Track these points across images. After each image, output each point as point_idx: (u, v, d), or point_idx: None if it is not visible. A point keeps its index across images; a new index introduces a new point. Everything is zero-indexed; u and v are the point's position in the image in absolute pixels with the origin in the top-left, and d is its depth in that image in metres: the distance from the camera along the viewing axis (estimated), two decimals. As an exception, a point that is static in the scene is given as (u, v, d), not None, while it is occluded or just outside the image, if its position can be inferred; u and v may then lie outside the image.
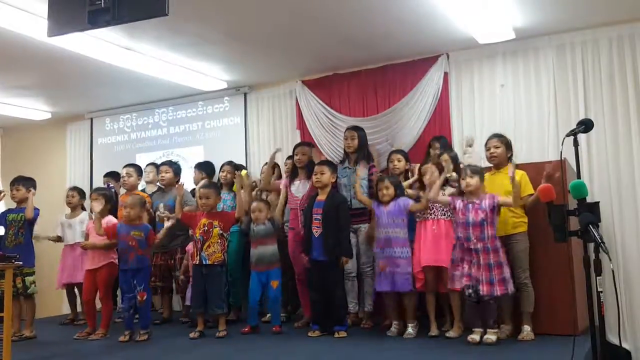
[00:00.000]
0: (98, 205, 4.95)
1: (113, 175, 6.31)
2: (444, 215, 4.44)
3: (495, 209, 4.10)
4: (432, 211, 4.46)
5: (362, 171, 4.91)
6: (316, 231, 4.61)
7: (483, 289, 4.02)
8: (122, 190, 5.75)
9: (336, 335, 4.49)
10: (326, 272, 4.56)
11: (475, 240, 4.08)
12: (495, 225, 4.12)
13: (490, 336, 4.05)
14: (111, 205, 5.10)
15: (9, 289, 3.91)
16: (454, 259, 4.20)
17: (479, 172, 4.22)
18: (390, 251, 4.44)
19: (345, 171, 5.08)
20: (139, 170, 5.88)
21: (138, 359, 4.12)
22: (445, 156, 4.57)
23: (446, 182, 4.45)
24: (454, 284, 4.19)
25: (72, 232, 5.65)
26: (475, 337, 4.08)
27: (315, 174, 4.69)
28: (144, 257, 4.73)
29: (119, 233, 4.71)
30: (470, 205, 4.14)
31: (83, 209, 5.80)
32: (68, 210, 5.79)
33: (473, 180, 4.13)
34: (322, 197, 4.68)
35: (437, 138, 5.27)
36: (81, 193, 5.80)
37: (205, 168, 6.10)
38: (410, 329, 4.43)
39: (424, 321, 4.58)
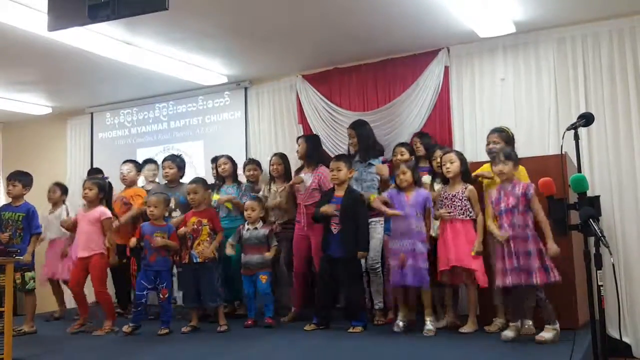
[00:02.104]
0: (91, 194, 4.91)
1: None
2: (463, 214, 4.28)
3: (530, 195, 3.90)
4: (452, 210, 4.32)
5: (384, 170, 4.86)
6: (335, 228, 4.55)
7: (521, 279, 3.83)
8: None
9: (350, 330, 4.43)
10: (343, 268, 4.50)
11: (506, 227, 3.92)
12: (529, 213, 3.92)
13: (510, 332, 3.92)
14: (104, 196, 5.04)
15: (10, 284, 3.91)
16: (498, 253, 4.01)
17: (513, 157, 4.04)
18: (411, 244, 4.27)
19: (355, 165, 4.96)
20: (137, 166, 5.88)
21: (140, 351, 4.13)
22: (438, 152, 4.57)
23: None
24: (501, 280, 3.96)
25: (51, 227, 5.63)
26: (511, 333, 3.94)
27: (332, 170, 4.61)
28: (166, 258, 4.74)
29: (143, 233, 4.71)
30: (502, 193, 4.00)
31: (64, 204, 5.75)
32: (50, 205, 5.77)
33: (507, 168, 3.97)
34: (339, 193, 4.59)
35: (419, 135, 5.29)
36: (63, 189, 5.77)
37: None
38: (429, 325, 4.27)
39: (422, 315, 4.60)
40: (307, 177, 5.09)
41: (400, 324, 4.39)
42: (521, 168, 4.27)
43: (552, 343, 3.77)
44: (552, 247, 3.82)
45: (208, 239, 4.74)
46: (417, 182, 4.49)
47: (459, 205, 4.30)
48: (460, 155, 4.41)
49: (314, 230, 4.83)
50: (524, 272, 3.82)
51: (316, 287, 4.85)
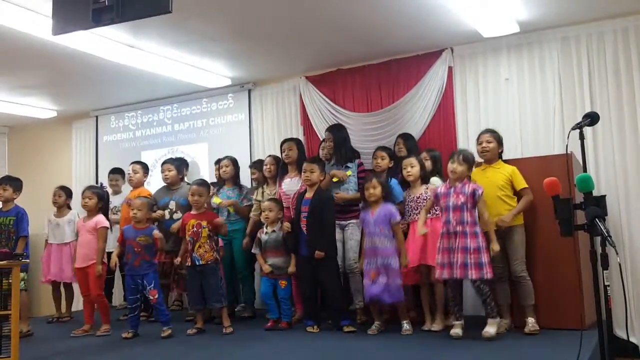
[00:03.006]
0: (92, 202, 4.97)
1: (118, 172, 6.32)
2: (430, 213, 4.43)
3: (476, 195, 4.06)
4: (418, 211, 4.48)
5: (339, 174, 4.85)
6: (305, 228, 4.61)
7: (456, 273, 4.01)
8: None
9: (345, 329, 4.50)
10: (317, 267, 4.56)
11: (454, 223, 4.07)
12: (475, 212, 4.08)
13: (490, 329, 4.00)
14: (102, 204, 5.09)
15: (17, 287, 3.92)
16: (439, 247, 4.16)
17: (470, 161, 4.20)
18: (380, 261, 4.35)
19: (332, 168, 4.98)
20: (145, 167, 5.91)
21: (147, 353, 4.13)
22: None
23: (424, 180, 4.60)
24: (437, 274, 4.19)
25: (61, 232, 5.65)
26: (457, 331, 4.06)
27: (305, 172, 4.65)
28: (149, 262, 4.73)
29: (125, 237, 4.72)
30: (452, 190, 4.14)
31: (69, 208, 5.78)
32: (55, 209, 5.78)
33: (460, 168, 4.12)
34: (309, 194, 4.67)
35: (404, 136, 5.28)
36: (68, 192, 5.77)
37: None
38: (406, 325, 4.39)
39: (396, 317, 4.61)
40: (295, 181, 5.06)
41: (374, 328, 4.45)
42: (513, 169, 4.32)
43: (497, 337, 3.98)
44: (495, 247, 4.06)
45: (208, 241, 4.74)
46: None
47: (423, 205, 4.44)
48: (420, 161, 4.59)
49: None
50: (461, 266, 4.00)
51: (299, 289, 4.89)
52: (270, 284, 4.82)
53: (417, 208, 4.49)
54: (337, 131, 5.15)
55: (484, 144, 4.43)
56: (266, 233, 4.85)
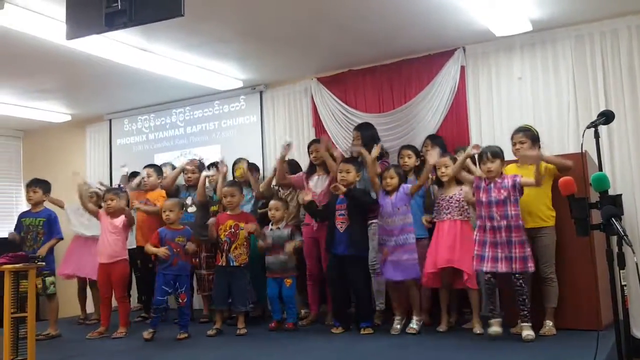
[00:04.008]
0: (118, 202, 5.02)
1: (134, 176, 6.35)
2: (461, 215, 4.39)
3: (517, 187, 4.04)
4: (449, 211, 4.42)
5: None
6: (341, 226, 4.61)
7: (502, 266, 3.99)
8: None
9: (363, 331, 4.49)
10: (350, 267, 4.56)
11: (498, 218, 4.02)
12: (518, 205, 4.04)
13: (528, 332, 3.94)
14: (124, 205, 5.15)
15: (32, 289, 3.96)
16: (477, 240, 4.14)
17: (499, 154, 4.16)
18: (395, 239, 4.42)
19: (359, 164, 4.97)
20: (158, 170, 5.95)
21: (166, 355, 4.15)
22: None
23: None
24: (474, 281, 4.22)
25: (90, 225, 5.71)
26: (497, 329, 4.02)
27: (341, 172, 4.65)
28: (186, 263, 4.77)
29: (163, 238, 4.73)
30: (492, 185, 4.10)
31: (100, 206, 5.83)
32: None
33: (494, 165, 4.09)
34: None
35: (432, 137, 5.26)
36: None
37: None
38: (414, 324, 4.39)
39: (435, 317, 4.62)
40: (322, 180, 5.09)
41: (397, 327, 4.47)
42: (546, 165, 4.20)
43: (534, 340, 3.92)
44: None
45: (245, 243, 4.77)
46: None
47: (455, 207, 4.39)
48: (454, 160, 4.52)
49: (324, 232, 4.84)
50: (505, 260, 3.98)
51: (328, 289, 4.89)
52: (276, 285, 4.84)
53: (449, 208, 4.40)
54: (365, 130, 5.19)
55: (517, 145, 4.33)
56: (271, 230, 4.88)
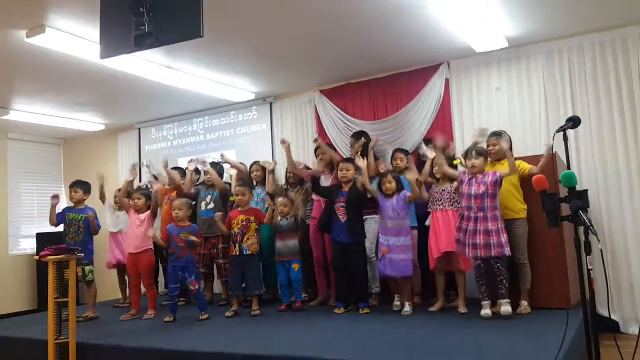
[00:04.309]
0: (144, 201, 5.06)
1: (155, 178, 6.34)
2: (452, 206, 4.40)
3: (497, 182, 4.05)
4: (442, 202, 4.43)
5: (380, 165, 4.83)
6: (342, 217, 4.62)
7: (481, 252, 3.99)
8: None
9: (361, 311, 4.51)
10: (350, 254, 4.58)
11: (476, 209, 4.04)
12: (496, 199, 4.05)
13: (506, 307, 3.97)
14: (150, 203, 5.12)
15: (73, 277, 4.00)
16: (457, 226, 4.17)
17: (483, 153, 4.19)
18: (394, 240, 4.41)
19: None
20: (182, 172, 5.96)
21: (189, 334, 4.16)
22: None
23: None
24: (468, 264, 4.25)
25: (117, 222, 5.75)
26: (487, 311, 4.01)
27: (341, 170, 4.70)
28: (190, 255, 4.75)
29: (169, 233, 4.74)
30: (473, 180, 4.11)
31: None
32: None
33: (477, 161, 4.11)
34: (345, 188, 4.71)
35: (425, 141, 5.19)
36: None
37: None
38: (407, 307, 4.42)
39: (429, 298, 4.61)
40: (327, 179, 5.12)
41: (397, 303, 4.59)
42: (520, 162, 4.26)
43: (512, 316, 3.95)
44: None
45: (255, 234, 4.80)
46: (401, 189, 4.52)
47: (447, 199, 4.42)
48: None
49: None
50: (484, 246, 3.98)
51: (333, 275, 4.90)
52: (285, 270, 4.86)
53: (441, 200, 4.43)
54: (366, 136, 5.18)
55: (491, 146, 4.40)
56: (281, 219, 4.92)
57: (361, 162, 4.63)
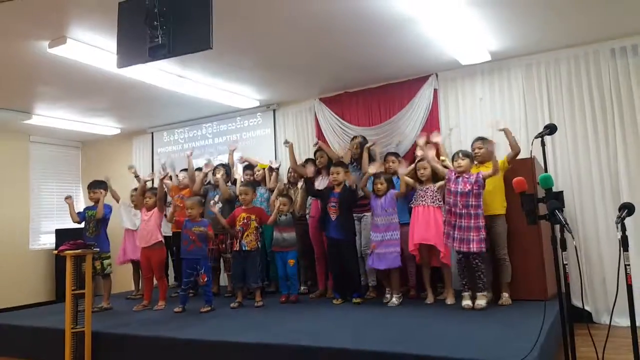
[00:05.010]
0: (154, 199, 5.05)
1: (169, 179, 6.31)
2: (434, 203, 4.43)
3: (480, 182, 4.06)
4: (424, 199, 4.46)
5: (372, 168, 4.82)
6: (333, 216, 4.63)
7: (462, 247, 4.00)
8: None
9: (354, 301, 4.52)
10: (342, 249, 4.60)
11: (460, 206, 4.05)
12: (480, 197, 4.05)
13: (480, 301, 4.00)
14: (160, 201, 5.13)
15: (89, 270, 3.99)
16: (445, 220, 4.19)
17: (469, 155, 4.21)
18: (383, 235, 4.44)
19: (353, 167, 5.09)
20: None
21: (197, 323, 4.16)
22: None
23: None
24: (449, 258, 4.27)
25: (136, 220, 5.69)
26: (468, 302, 4.04)
27: (332, 174, 4.72)
28: (202, 247, 4.72)
29: (184, 227, 4.73)
30: (460, 179, 4.12)
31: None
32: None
33: (463, 162, 4.13)
34: (337, 189, 4.72)
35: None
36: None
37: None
38: (394, 299, 4.44)
39: (420, 291, 4.61)
40: (324, 180, 5.12)
41: (388, 296, 4.59)
42: (502, 161, 4.29)
43: (486, 309, 3.95)
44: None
45: (254, 232, 4.76)
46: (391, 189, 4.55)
47: (430, 196, 4.45)
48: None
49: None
50: (465, 242, 3.99)
51: (330, 269, 4.90)
52: (283, 263, 4.85)
53: (425, 197, 4.46)
54: (364, 139, 5.27)
55: (476, 150, 4.43)
56: (281, 215, 4.90)
57: (372, 168, 4.64)
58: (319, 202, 4.95)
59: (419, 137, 4.70)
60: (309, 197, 5.25)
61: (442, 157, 4.73)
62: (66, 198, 5.15)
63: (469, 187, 4.06)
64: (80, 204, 7.88)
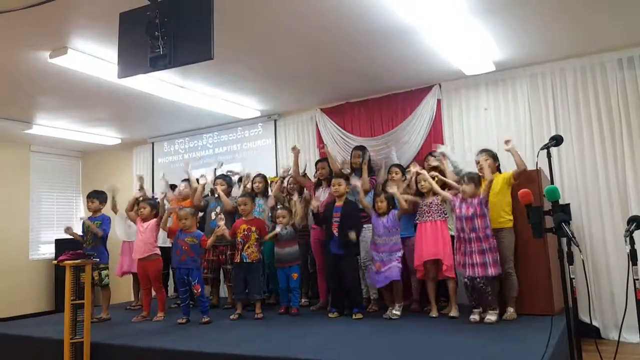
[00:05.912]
0: (149, 210, 5.02)
1: (172, 188, 6.31)
2: (440, 216, 4.40)
3: (483, 202, 4.01)
4: (430, 214, 4.43)
5: (356, 182, 4.77)
6: (336, 231, 4.59)
7: (478, 272, 3.94)
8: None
9: (354, 316, 4.45)
10: (343, 264, 4.55)
11: (468, 231, 4.01)
12: (486, 217, 4.01)
13: (491, 317, 3.97)
14: (156, 212, 5.10)
15: (88, 280, 3.98)
16: (455, 248, 4.16)
17: (475, 179, 4.15)
18: (385, 255, 4.40)
19: (354, 179, 4.98)
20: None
21: (196, 335, 4.12)
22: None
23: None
24: (452, 271, 4.24)
25: (130, 232, 5.64)
26: (475, 317, 4.01)
27: (334, 185, 4.68)
28: (194, 258, 4.67)
29: (177, 237, 4.71)
30: (463, 203, 4.09)
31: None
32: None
33: (468, 188, 4.08)
34: (339, 203, 4.66)
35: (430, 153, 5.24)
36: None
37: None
38: (395, 310, 4.40)
39: (425, 304, 4.57)
40: (325, 192, 5.09)
41: (389, 312, 4.46)
42: (507, 173, 4.30)
43: (496, 323, 3.91)
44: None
45: (255, 243, 4.73)
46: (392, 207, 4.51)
47: (435, 210, 4.42)
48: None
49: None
50: (481, 265, 3.95)
51: (328, 284, 4.86)
52: (285, 276, 4.81)
53: (429, 212, 4.43)
54: (366, 150, 5.19)
55: (481, 162, 4.35)
56: (282, 229, 4.85)
57: (356, 181, 4.62)
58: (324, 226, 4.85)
59: (413, 164, 4.68)
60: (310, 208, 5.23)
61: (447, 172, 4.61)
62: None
63: (472, 210, 4.02)
64: (81, 213, 7.90)
